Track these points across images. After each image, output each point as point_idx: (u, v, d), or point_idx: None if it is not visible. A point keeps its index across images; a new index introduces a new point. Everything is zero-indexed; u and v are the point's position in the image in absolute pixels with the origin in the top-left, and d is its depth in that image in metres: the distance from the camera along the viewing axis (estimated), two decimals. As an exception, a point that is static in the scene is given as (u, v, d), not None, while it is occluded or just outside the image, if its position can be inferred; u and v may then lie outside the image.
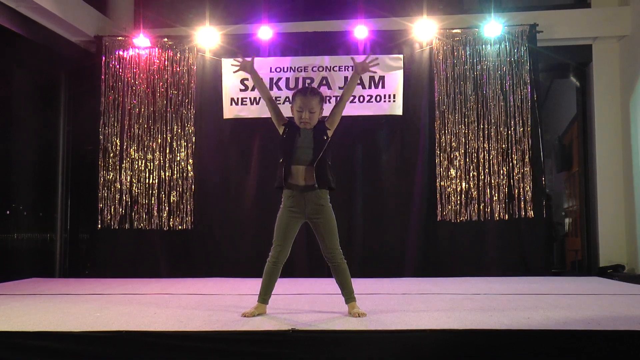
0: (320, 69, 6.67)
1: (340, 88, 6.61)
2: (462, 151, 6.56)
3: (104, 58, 6.85)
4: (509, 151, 6.53)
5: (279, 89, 6.68)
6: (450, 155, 6.58)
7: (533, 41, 6.60)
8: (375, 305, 3.86)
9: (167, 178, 6.77)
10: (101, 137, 6.80)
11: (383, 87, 6.60)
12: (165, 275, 6.53)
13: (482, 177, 6.53)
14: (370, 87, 6.62)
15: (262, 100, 6.65)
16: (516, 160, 6.52)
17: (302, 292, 4.81)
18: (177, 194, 6.75)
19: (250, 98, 6.69)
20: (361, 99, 6.61)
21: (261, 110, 6.67)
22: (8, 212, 6.57)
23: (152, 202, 6.74)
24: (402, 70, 6.62)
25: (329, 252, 3.57)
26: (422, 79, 6.69)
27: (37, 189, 7.03)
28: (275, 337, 2.90)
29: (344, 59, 6.68)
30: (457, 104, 6.61)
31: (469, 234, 6.50)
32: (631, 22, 6.61)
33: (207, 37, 6.77)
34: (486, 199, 6.51)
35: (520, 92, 6.57)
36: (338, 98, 3.74)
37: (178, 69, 6.85)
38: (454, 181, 6.55)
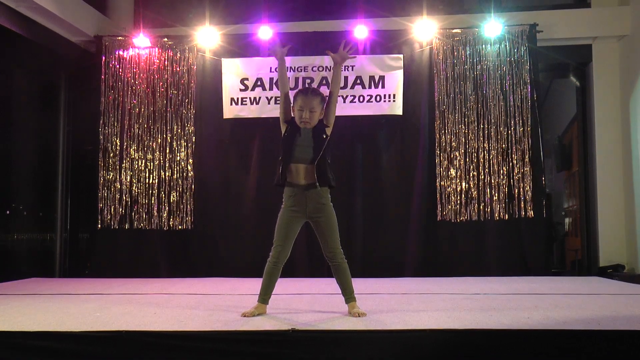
0: (320, 68, 6.67)
1: (340, 88, 6.59)
2: (462, 151, 6.56)
3: (104, 58, 6.85)
4: (509, 151, 6.53)
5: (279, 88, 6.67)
6: (450, 155, 6.58)
7: (533, 41, 6.60)
8: (375, 305, 3.86)
9: (167, 178, 6.77)
10: (101, 137, 6.80)
11: (383, 87, 6.60)
12: (165, 275, 6.53)
13: (482, 177, 6.53)
14: (370, 87, 6.62)
15: (262, 100, 6.68)
16: (516, 160, 6.52)
17: (302, 292, 4.81)
18: (177, 193, 6.76)
19: (250, 98, 6.69)
20: (361, 98, 6.61)
21: (261, 110, 6.67)
22: (8, 212, 6.57)
23: (152, 202, 6.74)
24: (402, 70, 6.62)
25: (330, 252, 3.57)
26: (422, 79, 6.69)
27: (37, 189, 7.03)
28: (275, 337, 2.90)
29: (344, 58, 6.67)
30: (457, 103, 6.61)
31: (469, 233, 6.50)
32: (631, 22, 6.61)
33: (207, 37, 6.77)
34: (486, 199, 6.51)
35: (520, 92, 6.57)
36: (328, 95, 3.74)
37: (178, 69, 6.85)
38: (454, 181, 6.55)
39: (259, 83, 6.71)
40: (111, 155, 6.79)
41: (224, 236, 6.65)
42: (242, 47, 6.82)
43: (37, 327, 3.13)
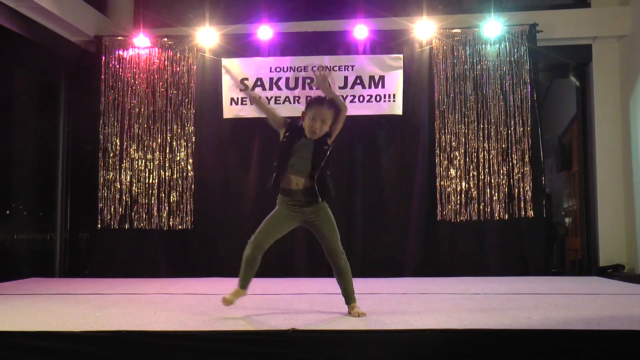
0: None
1: (340, 88, 6.61)
2: (462, 151, 6.56)
3: (104, 58, 6.85)
4: (509, 151, 6.53)
5: (279, 88, 6.68)
6: (450, 155, 6.58)
7: (533, 41, 6.60)
8: (375, 305, 3.86)
9: (167, 178, 6.77)
10: (101, 137, 6.80)
11: (383, 86, 6.60)
12: (165, 275, 6.52)
13: (482, 177, 6.53)
14: (370, 87, 6.62)
15: (262, 100, 6.65)
16: (516, 160, 6.52)
17: (302, 292, 4.81)
18: (177, 193, 6.76)
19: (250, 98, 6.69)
20: (361, 98, 6.61)
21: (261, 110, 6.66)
22: (8, 212, 6.57)
23: (152, 202, 6.74)
24: (402, 70, 6.62)
25: (332, 254, 3.52)
26: (422, 79, 6.69)
27: (37, 189, 7.03)
28: (275, 337, 2.90)
29: (343, 58, 6.69)
30: (457, 103, 6.61)
31: (469, 233, 6.50)
32: (631, 22, 6.61)
33: (207, 37, 6.77)
34: (486, 199, 6.51)
35: (520, 92, 6.57)
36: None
37: (178, 69, 6.85)
38: (454, 181, 6.55)
39: (259, 83, 6.71)
40: (111, 155, 6.79)
41: (224, 236, 6.64)
42: (242, 47, 6.82)
43: (37, 327, 3.13)
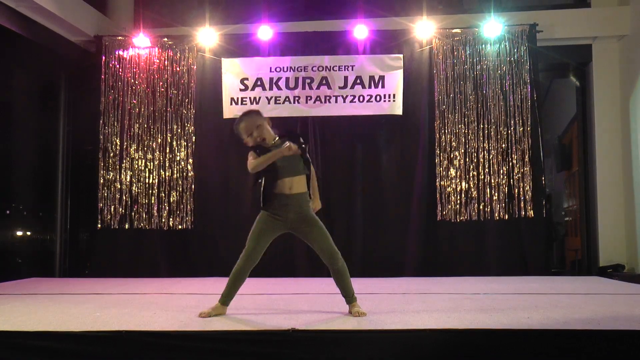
0: (320, 68, 6.67)
1: (340, 88, 6.62)
2: (462, 151, 6.56)
3: (104, 58, 6.85)
4: (509, 151, 6.53)
5: (279, 88, 6.68)
6: (450, 155, 6.58)
7: (533, 41, 6.60)
8: (375, 305, 3.86)
9: (167, 178, 6.77)
10: (101, 137, 6.80)
11: (383, 86, 6.61)
12: (165, 275, 6.52)
13: (482, 177, 6.53)
14: (370, 87, 6.62)
15: (262, 99, 6.69)
16: (516, 160, 6.52)
17: (302, 292, 4.81)
18: (177, 193, 6.76)
19: (250, 98, 6.70)
20: (361, 98, 6.61)
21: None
22: (8, 212, 6.57)
23: (152, 201, 6.74)
24: (402, 70, 6.63)
25: (328, 256, 3.51)
26: (422, 79, 6.69)
27: (37, 189, 7.03)
28: (275, 337, 2.90)
29: (343, 58, 6.69)
30: (457, 103, 6.61)
31: (469, 233, 6.50)
32: (631, 22, 6.61)
33: (207, 36, 6.77)
34: (486, 199, 6.51)
35: (520, 92, 6.57)
36: (311, 173, 3.63)
37: (178, 69, 6.85)
38: (453, 181, 6.55)
39: (258, 83, 6.71)
40: (111, 155, 6.79)
41: (224, 236, 6.64)
42: (242, 47, 6.82)
43: (37, 327, 3.13)
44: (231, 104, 6.71)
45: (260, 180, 3.57)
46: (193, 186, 6.77)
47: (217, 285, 5.43)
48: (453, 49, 6.67)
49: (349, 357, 2.86)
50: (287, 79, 6.69)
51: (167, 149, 6.80)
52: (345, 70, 6.66)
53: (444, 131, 6.60)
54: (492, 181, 6.52)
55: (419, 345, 2.87)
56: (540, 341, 2.86)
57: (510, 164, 6.52)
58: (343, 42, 6.76)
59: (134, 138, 6.81)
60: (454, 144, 6.59)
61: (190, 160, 6.79)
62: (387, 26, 6.82)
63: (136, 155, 6.80)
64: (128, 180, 6.76)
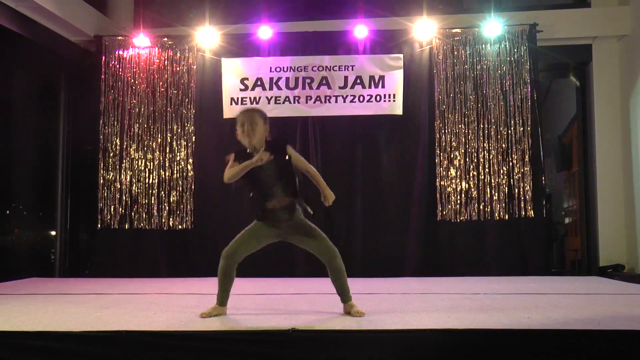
0: (320, 68, 6.67)
1: (340, 88, 6.62)
2: (462, 151, 6.56)
3: (104, 58, 6.85)
4: (509, 151, 6.53)
5: (279, 88, 6.68)
6: (450, 155, 6.58)
7: (533, 41, 6.60)
8: (375, 305, 3.86)
9: (167, 178, 6.77)
10: (101, 136, 6.80)
11: (383, 86, 6.61)
12: (165, 275, 6.52)
13: (482, 177, 6.53)
14: (370, 87, 6.62)
15: (262, 100, 6.69)
16: (516, 159, 6.52)
17: (302, 292, 4.81)
18: (177, 193, 6.76)
19: (250, 98, 6.70)
20: (361, 98, 6.61)
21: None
22: (8, 212, 6.57)
23: (152, 201, 6.74)
24: (402, 70, 6.63)
25: (327, 255, 3.50)
26: (422, 79, 6.69)
27: (37, 189, 7.03)
28: (275, 337, 2.89)
29: (344, 58, 6.69)
30: (457, 103, 6.61)
31: (469, 233, 6.50)
32: (631, 21, 6.61)
33: (207, 36, 6.77)
34: (486, 199, 6.51)
35: (520, 92, 6.57)
36: (311, 171, 3.61)
37: (178, 69, 6.85)
38: (453, 181, 6.55)
39: (258, 83, 6.71)
40: (111, 155, 6.79)
41: (224, 236, 6.54)
42: (242, 47, 6.82)
43: (37, 327, 3.13)
44: (231, 104, 6.71)
45: (251, 194, 3.55)
46: (193, 186, 6.77)
47: (217, 285, 5.44)
48: (453, 49, 6.66)
49: (349, 357, 2.86)
50: (287, 79, 6.69)
51: (167, 149, 6.80)
52: (345, 70, 6.66)
53: (444, 131, 6.60)
54: (492, 181, 6.52)
55: (419, 345, 2.87)
56: (540, 341, 2.86)
57: (510, 164, 6.52)
58: (343, 42, 6.76)
59: (134, 138, 6.81)
60: (454, 144, 6.59)
61: (190, 160, 6.79)
62: (387, 26, 6.81)
63: (136, 155, 6.79)
64: (128, 180, 6.76)
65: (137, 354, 2.87)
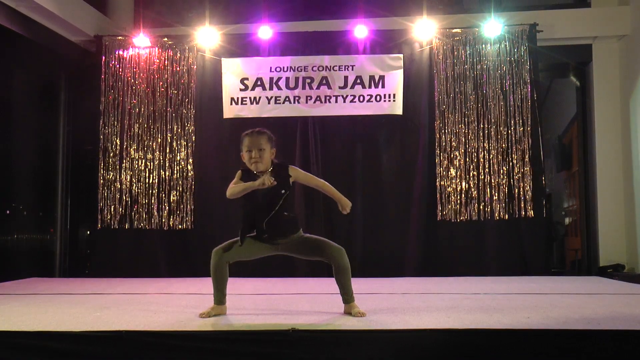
0: (320, 68, 6.67)
1: (340, 87, 6.62)
2: (462, 151, 6.56)
3: (104, 58, 6.85)
4: (509, 151, 6.53)
5: (279, 88, 6.68)
6: (450, 154, 6.58)
7: (533, 41, 6.60)
8: (375, 305, 3.86)
9: (167, 177, 6.77)
10: (101, 136, 6.80)
11: (383, 86, 6.61)
12: (165, 275, 6.52)
13: (482, 177, 6.53)
14: (370, 87, 6.62)
15: (262, 99, 6.69)
16: (516, 159, 6.52)
17: (302, 292, 4.81)
18: (177, 193, 6.76)
19: (250, 98, 6.70)
20: (361, 98, 6.61)
21: (261, 110, 6.68)
22: (8, 212, 6.57)
23: (152, 201, 6.74)
24: (402, 70, 6.63)
25: (332, 255, 3.48)
26: (422, 79, 6.69)
27: (37, 189, 7.03)
28: (275, 337, 2.89)
29: (344, 58, 6.69)
30: (457, 103, 6.61)
31: (469, 233, 6.50)
32: (631, 21, 6.61)
33: (207, 36, 6.77)
34: (486, 199, 6.51)
35: (520, 92, 6.57)
36: (320, 184, 3.61)
37: (178, 69, 6.85)
38: (453, 181, 6.55)
39: (259, 83, 6.71)
40: (111, 155, 6.79)
41: (224, 236, 6.55)
42: (242, 46, 6.82)
43: (37, 327, 3.13)
44: (231, 104, 6.71)
45: (245, 210, 3.55)
46: (193, 186, 6.77)
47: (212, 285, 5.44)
48: (453, 49, 6.66)
49: (349, 357, 2.86)
50: (287, 79, 6.69)
51: (167, 149, 6.80)
52: (345, 70, 6.66)
53: (444, 131, 6.60)
54: (492, 181, 6.52)
55: (419, 345, 2.87)
56: (540, 341, 2.86)
57: (510, 164, 6.52)
58: (343, 42, 6.76)
59: (134, 138, 6.81)
60: (454, 143, 6.59)
61: (190, 160, 6.79)
62: (387, 26, 6.81)
63: (136, 155, 6.79)
64: (128, 180, 6.76)
65: (137, 354, 2.87)
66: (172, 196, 6.75)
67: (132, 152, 6.80)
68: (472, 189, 6.53)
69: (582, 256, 7.22)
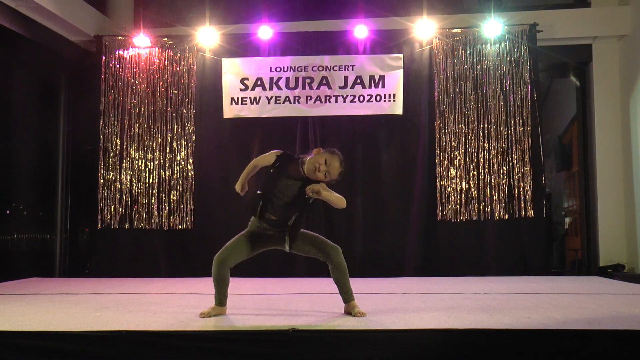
0: (320, 68, 6.67)
1: (340, 87, 6.62)
2: (462, 151, 6.57)
3: (104, 58, 6.85)
4: (509, 151, 6.53)
5: (279, 88, 6.68)
6: (450, 154, 6.58)
7: (533, 41, 6.60)
8: (375, 305, 3.86)
9: (167, 177, 6.77)
10: (101, 136, 6.80)
11: (383, 86, 6.61)
12: (165, 275, 6.52)
13: (482, 177, 6.53)
14: (370, 87, 6.62)
15: (262, 99, 6.68)
16: (516, 159, 6.52)
17: (302, 291, 4.81)
18: (177, 193, 6.76)
19: (250, 98, 6.70)
20: (361, 98, 6.61)
21: (261, 110, 6.68)
22: (8, 212, 6.57)
23: (152, 201, 6.74)
24: (402, 70, 6.62)
25: (328, 253, 3.49)
26: (422, 79, 6.69)
27: (37, 189, 7.03)
28: (275, 337, 2.89)
29: (344, 58, 6.69)
30: (457, 103, 6.61)
31: (469, 233, 6.50)
32: (631, 21, 6.61)
33: (207, 36, 6.77)
34: (486, 199, 6.51)
35: (520, 92, 6.57)
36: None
37: (178, 69, 6.85)
38: (454, 181, 6.55)
39: (259, 83, 6.71)
40: (111, 155, 6.79)
41: (224, 236, 6.56)
42: (242, 46, 6.82)
43: (37, 327, 3.13)
44: (231, 103, 6.71)
45: (259, 192, 3.52)
46: (193, 186, 6.77)
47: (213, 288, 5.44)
48: (453, 49, 6.67)
49: (349, 357, 2.86)
50: (287, 79, 6.69)
51: (167, 149, 6.80)
52: (345, 70, 6.66)
53: (444, 131, 6.61)
54: (492, 181, 6.52)
55: (419, 345, 2.87)
56: (540, 341, 2.86)
57: (510, 164, 6.52)
58: (343, 42, 6.76)
59: (134, 138, 6.81)
60: (454, 143, 6.59)
61: (190, 160, 6.79)
62: (387, 26, 6.82)
63: (136, 155, 6.80)
64: (128, 180, 6.76)
65: (137, 354, 2.88)
66: (172, 196, 6.75)
67: (132, 152, 6.80)
68: (472, 189, 6.53)
69: (582, 256, 7.22)
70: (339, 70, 6.65)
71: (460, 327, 3.00)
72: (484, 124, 6.58)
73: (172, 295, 4.69)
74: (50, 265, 6.96)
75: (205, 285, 5.37)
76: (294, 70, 6.69)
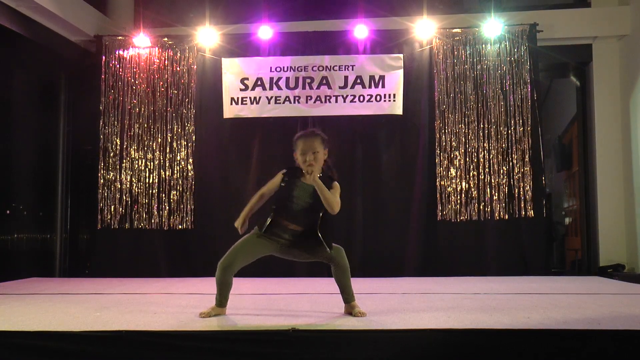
0: (320, 68, 6.67)
1: (340, 87, 6.62)
2: (462, 151, 6.57)
3: (104, 58, 6.85)
4: (509, 151, 6.53)
5: (279, 88, 6.68)
6: (450, 154, 6.58)
7: (533, 41, 6.60)
8: (375, 305, 3.86)
9: (167, 177, 6.77)
10: (101, 136, 6.80)
11: (383, 86, 6.60)
12: (165, 275, 6.52)
13: (482, 177, 6.53)
14: (370, 87, 6.62)
15: (262, 99, 6.68)
16: (516, 159, 6.52)
17: (302, 291, 4.81)
18: (177, 193, 6.76)
19: (250, 98, 6.70)
20: (361, 98, 6.61)
21: (261, 110, 6.68)
22: (8, 212, 6.57)
23: (152, 201, 6.74)
24: (402, 70, 6.62)
25: (330, 255, 3.48)
26: (422, 79, 6.69)
27: (37, 189, 7.02)
28: (275, 337, 2.89)
29: (344, 58, 6.69)
30: (457, 103, 6.61)
31: (469, 233, 6.50)
32: (631, 21, 6.61)
33: (207, 36, 6.77)
34: (486, 199, 6.51)
35: (520, 92, 6.57)
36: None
37: (178, 69, 6.85)
38: (454, 181, 6.55)
39: (259, 83, 6.71)
40: (111, 155, 6.79)
41: (224, 236, 6.61)
42: (242, 46, 6.82)
43: (37, 327, 3.13)
44: (231, 103, 6.71)
45: (273, 207, 3.50)
46: (193, 186, 6.77)
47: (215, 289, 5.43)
48: (453, 49, 6.67)
49: (349, 357, 2.86)
50: (287, 79, 6.69)
51: (167, 149, 6.80)
52: (345, 70, 6.66)
53: (444, 131, 6.60)
54: (492, 181, 6.52)
55: (419, 345, 2.87)
56: (540, 341, 2.86)
57: (510, 164, 6.52)
58: (343, 42, 6.76)
59: (134, 138, 6.81)
60: (454, 143, 6.59)
61: (190, 160, 6.79)
62: (387, 26, 6.81)
63: (136, 155, 6.80)
64: (128, 180, 6.76)
65: (137, 354, 2.87)
66: (172, 196, 6.75)
67: (132, 152, 6.80)
68: (472, 189, 6.53)
69: (582, 256, 7.22)
70: (339, 70, 6.66)
71: (460, 327, 3.00)
72: (484, 124, 6.58)
73: (172, 295, 4.69)
74: (50, 265, 6.96)
75: (205, 285, 5.37)
76: (294, 70, 6.69)
